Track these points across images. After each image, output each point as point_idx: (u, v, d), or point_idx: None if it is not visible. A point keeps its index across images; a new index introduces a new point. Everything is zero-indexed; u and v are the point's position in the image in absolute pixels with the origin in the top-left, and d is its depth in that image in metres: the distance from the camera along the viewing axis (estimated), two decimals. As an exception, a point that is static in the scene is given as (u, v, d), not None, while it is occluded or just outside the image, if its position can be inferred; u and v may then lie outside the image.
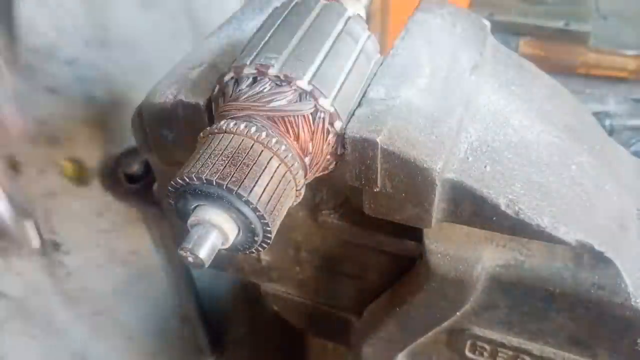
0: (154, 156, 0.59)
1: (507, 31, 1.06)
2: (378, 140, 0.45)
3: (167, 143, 0.55)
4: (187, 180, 0.39)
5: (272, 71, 0.44)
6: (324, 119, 0.45)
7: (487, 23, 0.60)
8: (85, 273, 0.82)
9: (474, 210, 0.48)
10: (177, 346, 0.96)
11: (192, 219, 0.40)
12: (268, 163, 0.41)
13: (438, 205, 0.49)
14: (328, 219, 0.61)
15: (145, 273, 0.87)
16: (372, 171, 0.47)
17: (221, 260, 0.68)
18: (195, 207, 0.41)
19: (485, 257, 0.51)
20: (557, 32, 1.04)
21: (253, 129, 0.42)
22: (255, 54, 0.46)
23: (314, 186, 0.58)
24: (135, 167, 0.78)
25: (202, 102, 0.50)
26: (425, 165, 0.45)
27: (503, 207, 0.47)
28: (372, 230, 0.58)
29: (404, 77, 0.51)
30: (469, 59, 0.54)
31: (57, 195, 0.78)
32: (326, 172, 0.50)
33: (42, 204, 0.78)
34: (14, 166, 0.74)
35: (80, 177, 0.77)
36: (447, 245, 0.52)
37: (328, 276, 0.68)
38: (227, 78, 0.46)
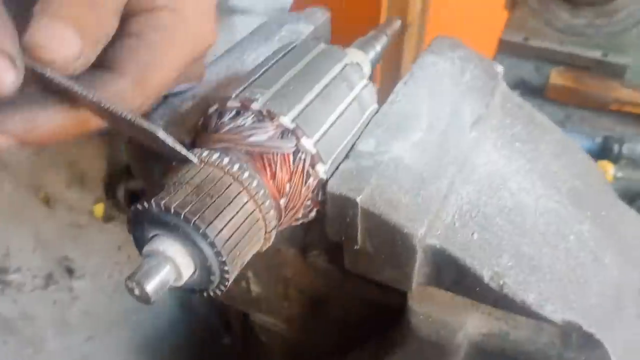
0: (144, 184, 0.58)
1: (540, 58, 1.03)
2: (358, 200, 0.43)
3: (154, 174, 0.54)
4: (146, 206, 0.37)
5: (255, 105, 0.43)
6: (304, 160, 0.43)
7: (500, 70, 0.58)
8: (91, 299, 0.84)
9: (456, 279, 0.45)
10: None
11: (146, 249, 0.38)
12: (235, 197, 0.39)
13: (420, 269, 0.46)
14: (317, 260, 0.59)
15: (145, 307, 0.86)
16: (352, 229, 0.45)
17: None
18: (153, 237, 0.39)
19: (470, 323, 0.47)
20: (593, 63, 1.00)
21: (226, 160, 0.40)
22: (242, 88, 0.45)
23: (306, 225, 0.56)
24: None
25: (187, 138, 0.49)
26: (405, 230, 0.43)
27: (487, 280, 0.44)
28: (358, 278, 0.55)
29: (399, 129, 0.49)
30: (472, 112, 0.52)
31: (84, 228, 0.80)
32: (306, 219, 0.47)
33: (68, 233, 0.80)
34: (47, 202, 0.76)
35: (107, 216, 0.81)
36: (430, 306, 0.49)
37: (314, 316, 0.66)
38: (211, 110, 0.45)
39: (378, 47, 0.60)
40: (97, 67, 0.39)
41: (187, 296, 0.92)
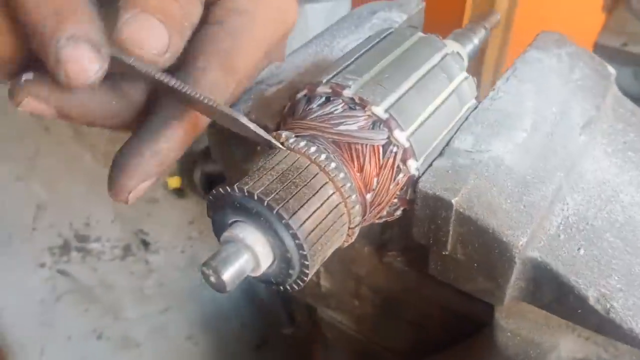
0: (224, 167, 0.57)
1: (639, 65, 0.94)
2: (454, 201, 0.39)
3: (235, 158, 0.53)
4: (228, 190, 0.35)
5: (347, 92, 0.40)
6: (396, 154, 0.40)
7: (613, 71, 0.52)
8: (165, 273, 0.86)
9: (557, 297, 0.41)
10: (232, 348, 0.94)
11: (225, 235, 0.36)
12: (321, 188, 0.36)
13: (515, 283, 0.41)
14: (394, 261, 0.56)
15: None
16: (442, 233, 0.41)
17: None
18: (233, 223, 0.36)
19: (563, 346, 0.43)
20: None
21: (313, 148, 0.38)
22: (334, 74, 0.42)
23: (383, 222, 0.53)
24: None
25: (271, 124, 0.47)
26: (505, 238, 0.39)
27: (592, 302, 0.39)
28: (441, 284, 0.52)
29: (500, 127, 0.45)
30: (582, 113, 0.47)
31: (159, 202, 0.82)
32: (391, 217, 0.44)
33: (144, 206, 0.81)
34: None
35: (181, 192, 0.84)
36: (520, 323, 0.45)
37: (386, 317, 0.63)
38: (299, 95, 0.42)
39: (476, 40, 0.56)
40: (185, 58, 0.38)
41: (252, 283, 0.92)
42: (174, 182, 0.88)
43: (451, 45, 0.50)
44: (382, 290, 0.60)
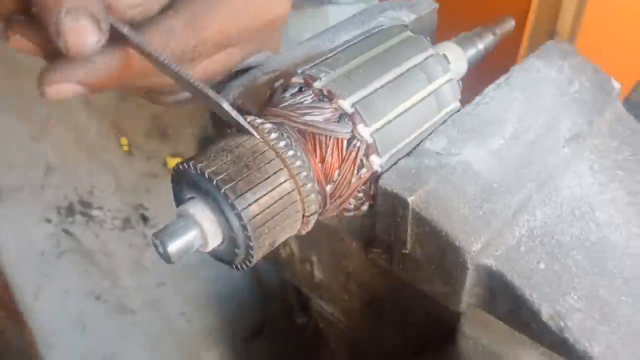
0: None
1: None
2: (410, 200, 0.39)
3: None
4: (185, 167, 0.37)
5: (317, 84, 0.41)
6: (359, 148, 0.40)
7: (617, 86, 0.50)
8: None
9: (511, 309, 0.40)
10: (225, 332, 0.96)
11: (179, 208, 0.38)
12: (274, 173, 0.37)
13: (471, 289, 0.41)
14: (378, 258, 0.55)
15: (212, 265, 0.88)
16: (401, 230, 0.41)
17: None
18: (189, 199, 0.38)
19: (524, 360, 0.42)
20: None
21: (274, 135, 0.39)
22: (311, 65, 0.43)
23: (374, 219, 0.54)
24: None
25: (255, 111, 0.48)
26: (458, 243, 0.38)
27: (545, 317, 0.38)
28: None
29: (477, 132, 0.44)
30: (571, 127, 0.46)
31: (158, 178, 0.84)
32: (358, 212, 0.44)
33: (144, 182, 0.84)
34: (128, 148, 0.81)
35: None
36: (482, 333, 0.45)
37: (372, 314, 0.63)
38: (277, 84, 0.44)
39: (480, 45, 0.55)
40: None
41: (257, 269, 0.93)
42: (174, 162, 0.90)
43: (447, 48, 0.50)
44: (368, 286, 0.60)
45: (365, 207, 0.44)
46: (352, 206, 0.44)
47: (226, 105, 0.38)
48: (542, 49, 0.53)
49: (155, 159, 0.90)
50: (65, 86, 0.37)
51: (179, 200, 0.39)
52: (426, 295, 0.50)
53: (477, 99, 0.47)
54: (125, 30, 0.37)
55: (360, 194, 0.43)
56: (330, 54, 0.44)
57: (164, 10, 0.40)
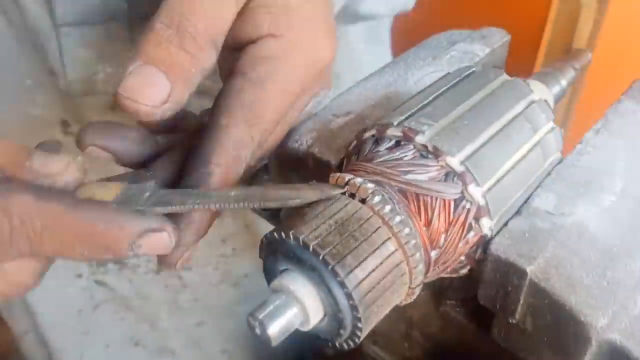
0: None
1: None
2: (529, 270, 0.35)
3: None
4: (283, 236, 0.33)
5: (420, 138, 0.37)
6: (469, 210, 0.36)
7: None
8: (199, 288, 0.87)
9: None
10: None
11: (275, 283, 0.33)
12: (383, 244, 0.33)
13: (588, 362, 0.37)
14: (452, 311, 0.51)
15: (252, 296, 0.87)
16: (511, 300, 0.37)
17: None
18: (284, 271, 0.34)
19: None
20: None
21: (377, 198, 0.35)
22: (406, 115, 0.39)
23: None
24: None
25: (334, 159, 0.44)
26: (583, 318, 0.34)
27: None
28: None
29: (586, 187, 0.40)
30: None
31: None
32: (456, 274, 0.40)
33: None
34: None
35: None
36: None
37: (438, 365, 0.58)
38: (367, 135, 0.39)
39: (564, 82, 0.51)
40: (211, 113, 0.39)
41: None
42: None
43: (537, 89, 0.46)
44: (436, 338, 0.56)
45: (464, 271, 0.40)
46: (450, 270, 0.39)
47: (313, 194, 0.35)
48: (633, 88, 0.49)
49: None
50: (186, 255, 0.37)
51: (272, 272, 0.35)
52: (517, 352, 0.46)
53: (578, 147, 0.43)
54: (168, 210, 0.34)
55: (463, 257, 0.38)
56: (424, 101, 0.40)
57: (215, 107, 0.39)
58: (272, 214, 0.60)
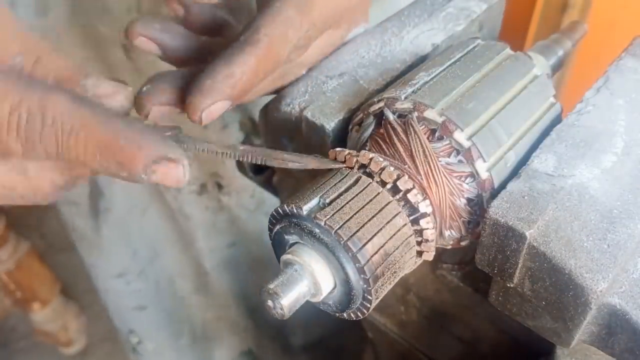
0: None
1: None
2: (528, 234, 0.35)
3: (286, 150, 0.50)
4: (295, 210, 0.33)
5: (429, 114, 0.36)
6: (477, 183, 0.36)
7: None
8: (235, 212, 0.94)
9: (630, 347, 0.37)
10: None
11: (286, 256, 0.33)
12: (393, 218, 0.33)
13: (586, 327, 0.38)
14: (448, 275, 0.52)
15: None
16: (509, 264, 0.37)
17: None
18: (294, 244, 0.34)
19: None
20: None
21: (386, 172, 0.34)
22: (414, 88, 0.38)
23: None
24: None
25: (328, 125, 0.43)
26: (583, 282, 0.35)
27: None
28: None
29: (587, 148, 0.40)
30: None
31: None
32: (457, 246, 0.41)
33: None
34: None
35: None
36: (581, 361, 0.42)
37: (433, 328, 0.60)
38: (373, 108, 0.39)
39: (561, 53, 0.51)
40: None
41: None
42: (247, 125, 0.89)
43: (537, 62, 0.46)
44: (431, 301, 0.57)
45: (465, 243, 0.40)
46: (452, 241, 0.40)
47: (327, 163, 0.37)
48: (633, 44, 0.49)
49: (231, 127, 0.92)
50: (215, 106, 0.37)
51: (282, 245, 0.35)
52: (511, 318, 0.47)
53: (578, 106, 0.43)
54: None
55: (463, 229, 0.38)
56: (431, 75, 0.39)
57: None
58: (266, 179, 0.59)
